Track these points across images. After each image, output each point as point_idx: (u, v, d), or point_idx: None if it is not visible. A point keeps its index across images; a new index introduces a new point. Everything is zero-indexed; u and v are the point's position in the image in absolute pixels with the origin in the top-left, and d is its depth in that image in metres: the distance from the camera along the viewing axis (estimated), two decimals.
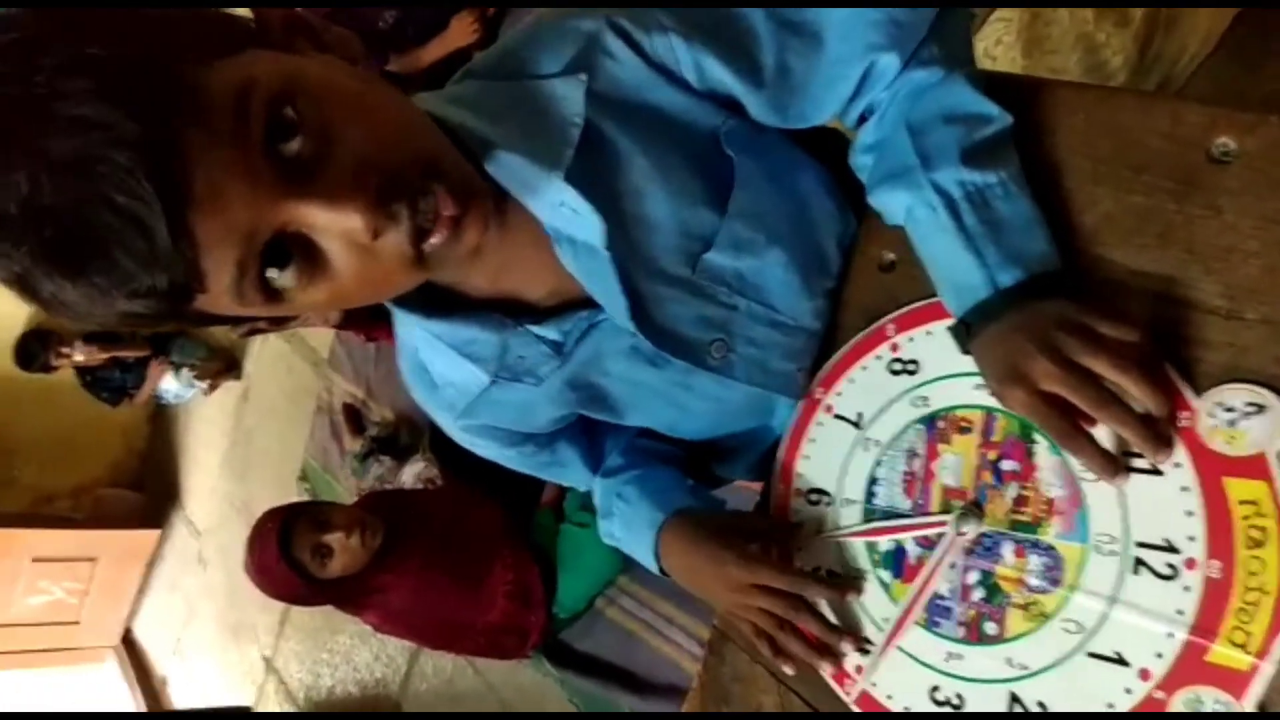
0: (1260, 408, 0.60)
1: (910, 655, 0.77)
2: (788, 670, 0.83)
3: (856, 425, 0.83)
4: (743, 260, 0.79)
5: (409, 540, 2.13)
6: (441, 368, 0.84)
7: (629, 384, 0.85)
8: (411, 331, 0.82)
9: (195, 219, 0.51)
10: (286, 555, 1.94)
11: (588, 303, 0.77)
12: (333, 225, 0.56)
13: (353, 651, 3.31)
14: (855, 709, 0.80)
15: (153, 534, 4.93)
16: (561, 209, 0.70)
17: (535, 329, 0.78)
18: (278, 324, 0.71)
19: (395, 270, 0.61)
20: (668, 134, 0.75)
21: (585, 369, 0.82)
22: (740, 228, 0.78)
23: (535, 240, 0.73)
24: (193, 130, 0.50)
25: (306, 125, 0.55)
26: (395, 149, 0.58)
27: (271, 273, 0.56)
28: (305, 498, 3.49)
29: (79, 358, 4.33)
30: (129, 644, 5.11)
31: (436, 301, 0.76)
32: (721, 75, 0.73)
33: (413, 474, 2.63)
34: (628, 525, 0.94)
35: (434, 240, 0.60)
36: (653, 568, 0.92)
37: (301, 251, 0.57)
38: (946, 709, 0.74)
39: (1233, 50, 1.29)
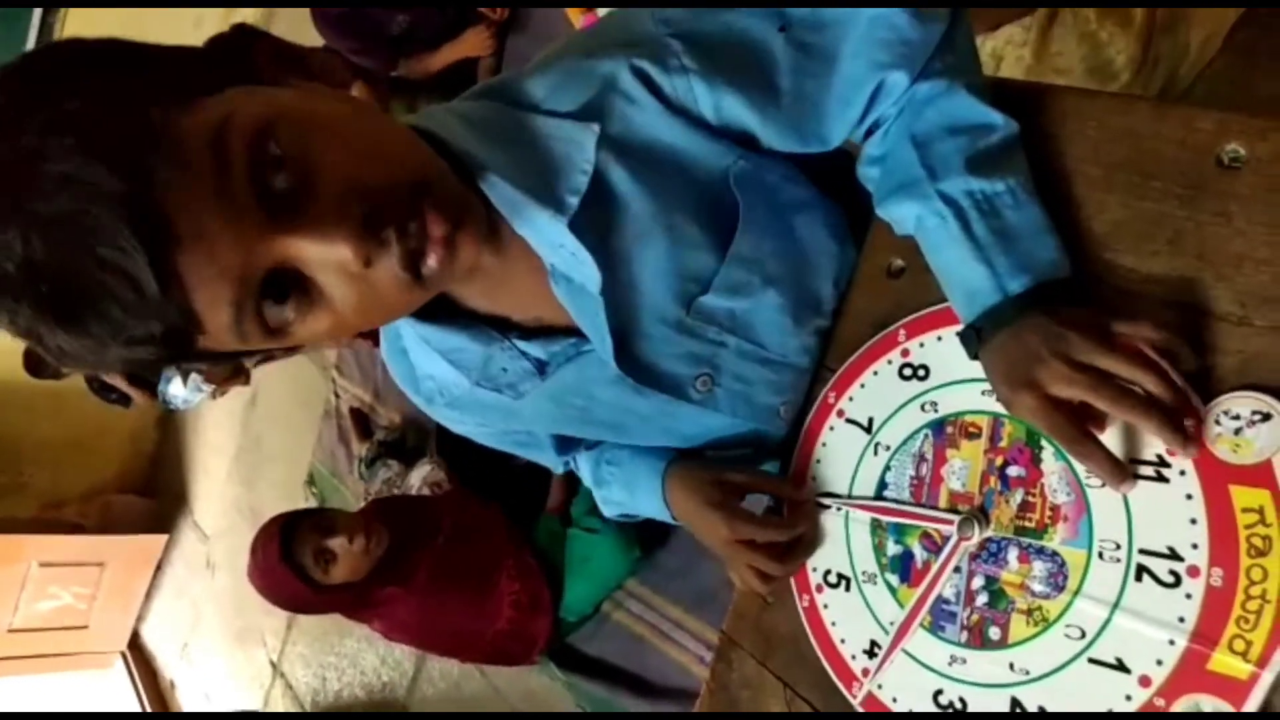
0: (1266, 416, 0.60)
1: (914, 658, 0.77)
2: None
3: (867, 430, 0.84)
4: (736, 301, 0.80)
5: (415, 552, 2.13)
6: (424, 363, 0.85)
7: (616, 409, 0.86)
8: (398, 325, 0.84)
9: (182, 263, 0.51)
10: (288, 558, 1.95)
11: (577, 330, 0.78)
12: (323, 257, 0.56)
13: (360, 655, 3.31)
14: (860, 711, 0.80)
15: (160, 539, 4.94)
16: (561, 250, 0.71)
17: (521, 345, 0.79)
18: (289, 351, 0.72)
19: (393, 295, 0.61)
20: (677, 175, 0.75)
21: (570, 391, 0.84)
22: (738, 271, 0.79)
23: (531, 267, 0.74)
24: (172, 175, 0.50)
25: (288, 158, 0.55)
26: (380, 173, 0.58)
27: (270, 309, 0.57)
28: (313, 502, 3.50)
29: None
30: (136, 648, 5.12)
31: (428, 306, 0.76)
32: (739, 111, 0.73)
33: (420, 477, 2.63)
34: (628, 484, 0.96)
35: (430, 262, 0.60)
36: (666, 518, 0.93)
37: (298, 286, 0.57)
38: (949, 713, 0.74)
39: (1239, 50, 1.29)
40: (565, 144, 0.71)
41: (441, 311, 0.77)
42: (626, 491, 0.97)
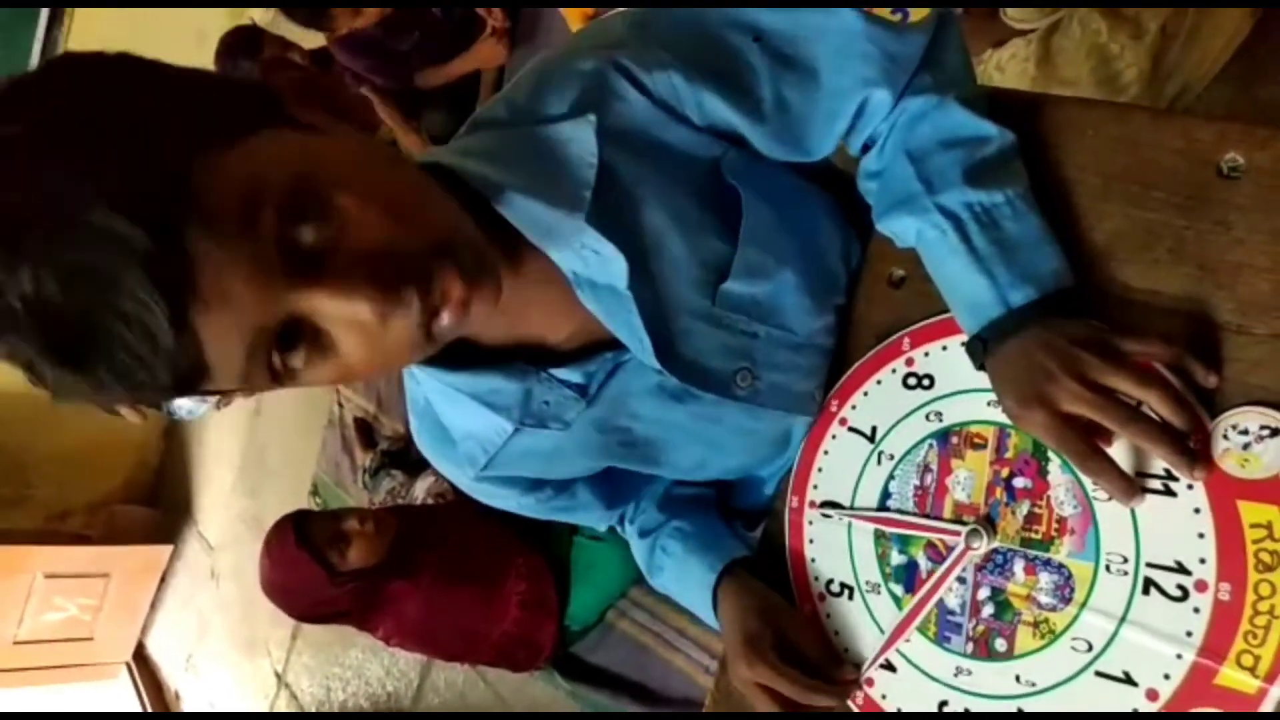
0: (1275, 431, 0.60)
1: (920, 669, 0.77)
2: None
3: (870, 439, 0.83)
4: (758, 286, 0.79)
5: (423, 550, 2.14)
6: (459, 420, 0.82)
7: (659, 425, 0.84)
8: (422, 385, 0.81)
9: (201, 319, 0.50)
10: (304, 542, 1.97)
11: (612, 343, 0.77)
12: (341, 314, 0.55)
13: (364, 666, 3.30)
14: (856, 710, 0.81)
15: (165, 549, 4.93)
16: (583, 251, 0.70)
17: (558, 373, 0.77)
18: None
19: (402, 350, 0.60)
20: (676, 169, 0.75)
21: (613, 412, 0.81)
22: (753, 254, 0.78)
23: (554, 284, 0.73)
24: (200, 233, 0.49)
25: (317, 216, 0.54)
26: (407, 233, 0.57)
27: (277, 356, 0.56)
28: None
29: None
30: (141, 659, 5.11)
31: (454, 353, 0.74)
32: (723, 111, 0.72)
33: (424, 488, 2.63)
34: (680, 580, 0.95)
35: (443, 322, 0.59)
36: (715, 624, 0.92)
37: (309, 335, 0.56)
38: (950, 714, 0.74)
39: (1240, 54, 1.29)
40: (567, 144, 0.70)
41: (467, 355, 0.75)
42: (678, 585, 0.96)
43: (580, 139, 0.69)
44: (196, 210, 0.49)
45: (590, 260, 0.70)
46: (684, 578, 0.94)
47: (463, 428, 0.82)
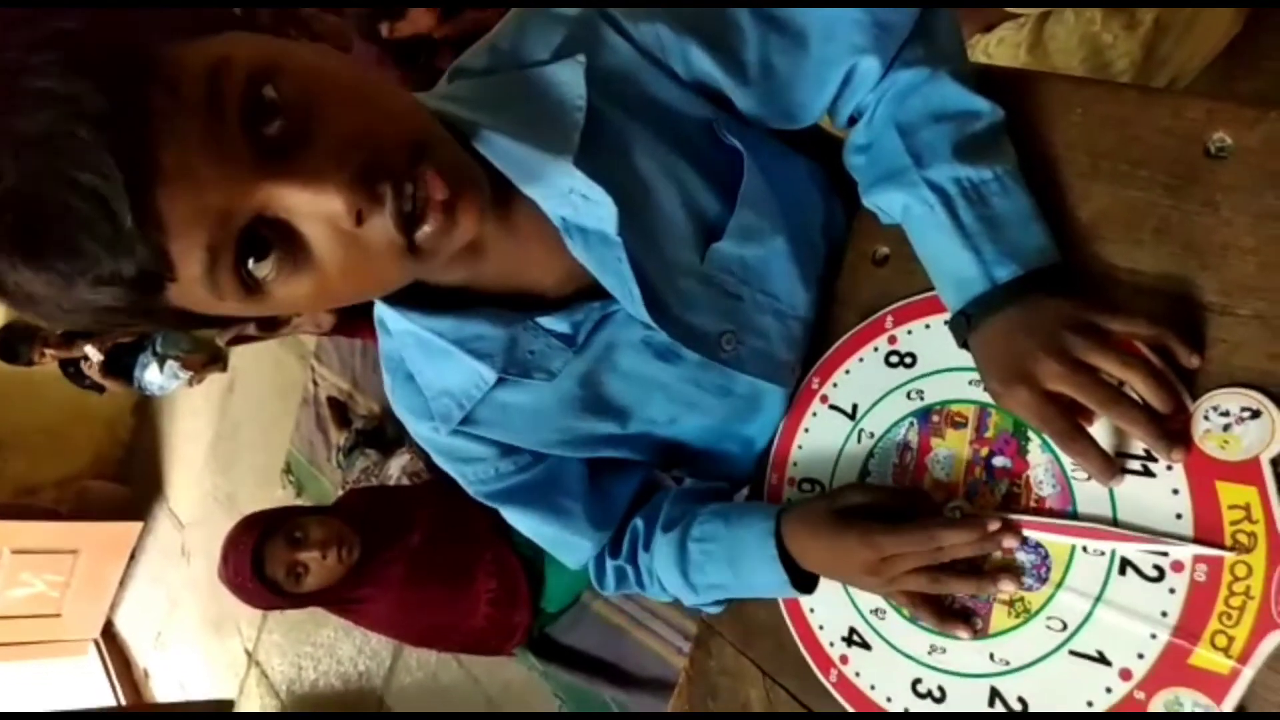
0: (1255, 413, 0.60)
1: (893, 646, 0.77)
2: (962, 635, 0.71)
3: (851, 416, 0.83)
4: (749, 249, 0.78)
5: (389, 550, 2.10)
6: (435, 376, 0.79)
7: (637, 380, 0.82)
8: (397, 339, 0.79)
9: (162, 197, 0.47)
10: (260, 575, 1.91)
11: (600, 293, 0.75)
12: (312, 208, 0.52)
13: (336, 645, 3.30)
14: (833, 691, 0.80)
15: (135, 526, 4.90)
16: (571, 196, 0.68)
17: (544, 322, 0.75)
18: (267, 328, 0.67)
19: (384, 261, 0.56)
20: (664, 124, 0.74)
21: (598, 366, 0.80)
22: (749, 216, 0.77)
23: (541, 231, 0.71)
24: (161, 103, 0.47)
25: (286, 105, 0.52)
26: (381, 129, 0.54)
27: (249, 262, 0.53)
28: (290, 490, 3.48)
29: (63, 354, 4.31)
30: (110, 636, 5.08)
31: (440, 300, 0.73)
32: (708, 68, 0.72)
33: (398, 466, 2.61)
34: (731, 559, 0.84)
35: (426, 228, 0.55)
36: (782, 586, 0.81)
37: (282, 240, 0.53)
38: (928, 701, 0.74)
39: (1225, 51, 1.29)
40: (555, 87, 0.68)
41: (452, 302, 0.73)
42: (730, 568, 0.84)
43: (569, 81, 0.68)
44: (157, 78, 0.47)
45: (579, 205, 0.68)
46: (736, 552, 0.83)
47: (438, 385, 0.79)
